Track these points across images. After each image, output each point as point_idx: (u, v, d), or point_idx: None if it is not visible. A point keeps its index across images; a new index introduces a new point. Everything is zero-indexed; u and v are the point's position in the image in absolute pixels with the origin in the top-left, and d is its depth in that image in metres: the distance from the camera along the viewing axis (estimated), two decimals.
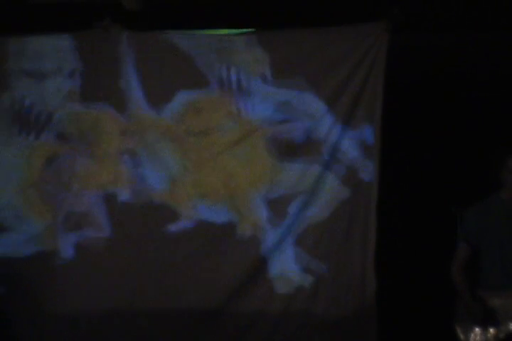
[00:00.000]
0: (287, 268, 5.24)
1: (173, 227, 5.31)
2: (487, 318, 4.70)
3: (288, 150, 5.26)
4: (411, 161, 6.11)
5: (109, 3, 5.40)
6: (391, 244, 5.50)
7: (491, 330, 4.71)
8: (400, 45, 5.22)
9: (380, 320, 5.14)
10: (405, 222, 6.04)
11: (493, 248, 4.76)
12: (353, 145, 5.22)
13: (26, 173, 5.38)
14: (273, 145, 5.27)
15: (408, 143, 6.06)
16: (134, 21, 5.41)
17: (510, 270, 4.72)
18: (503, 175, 4.78)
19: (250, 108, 5.31)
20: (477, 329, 4.72)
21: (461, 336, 4.75)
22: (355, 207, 5.20)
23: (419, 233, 6.07)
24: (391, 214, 5.43)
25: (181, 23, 5.50)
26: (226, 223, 5.29)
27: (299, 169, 5.25)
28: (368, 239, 5.17)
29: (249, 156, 5.30)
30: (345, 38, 5.24)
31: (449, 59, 5.88)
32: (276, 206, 5.26)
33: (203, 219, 5.31)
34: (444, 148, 6.16)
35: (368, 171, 5.18)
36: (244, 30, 5.42)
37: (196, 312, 5.24)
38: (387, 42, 5.16)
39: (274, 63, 5.29)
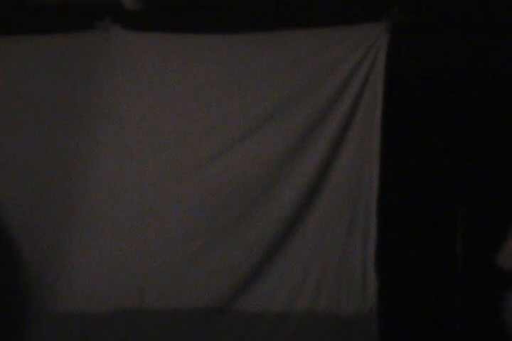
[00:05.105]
0: (289, 266, 5.25)
1: (176, 226, 5.32)
2: None
3: (294, 143, 5.25)
4: (411, 161, 6.12)
5: (109, 3, 5.41)
6: (391, 244, 5.50)
7: None
8: (400, 45, 5.23)
9: (381, 320, 5.14)
10: (405, 222, 6.04)
11: None
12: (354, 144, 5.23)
13: None
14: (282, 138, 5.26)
15: (408, 143, 6.07)
16: (134, 21, 5.42)
17: None
18: None
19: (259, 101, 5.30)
20: None
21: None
22: (356, 206, 5.20)
23: (420, 233, 6.08)
24: (391, 214, 5.42)
25: (181, 23, 5.51)
26: (228, 222, 5.30)
27: (301, 164, 5.25)
28: (368, 239, 5.18)
29: (259, 150, 5.28)
30: (345, 38, 5.24)
31: (449, 59, 5.88)
32: (278, 203, 5.27)
33: (205, 217, 5.32)
34: (444, 147, 6.16)
35: (369, 170, 5.19)
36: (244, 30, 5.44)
37: (197, 312, 5.25)
38: (387, 42, 5.17)
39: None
